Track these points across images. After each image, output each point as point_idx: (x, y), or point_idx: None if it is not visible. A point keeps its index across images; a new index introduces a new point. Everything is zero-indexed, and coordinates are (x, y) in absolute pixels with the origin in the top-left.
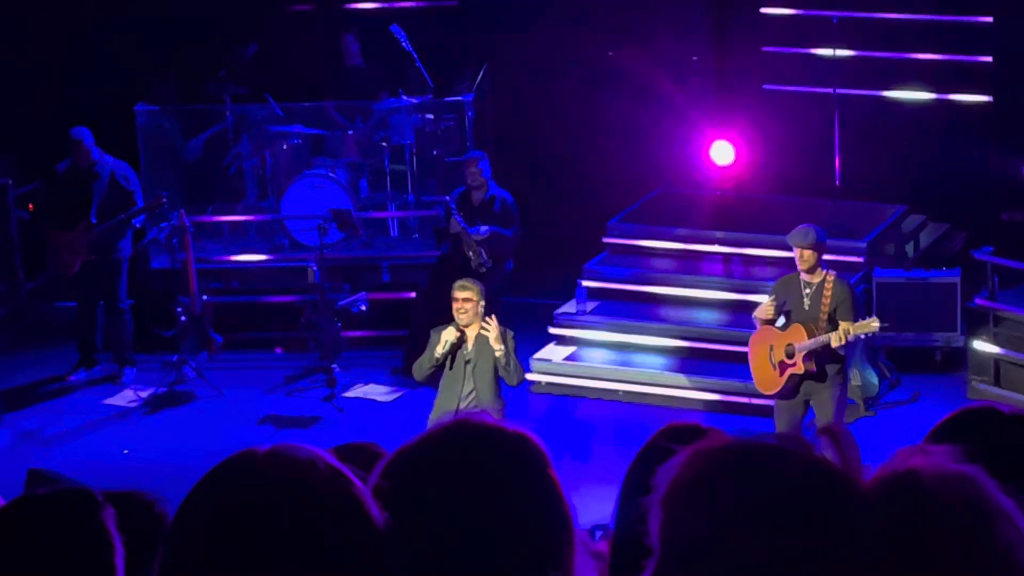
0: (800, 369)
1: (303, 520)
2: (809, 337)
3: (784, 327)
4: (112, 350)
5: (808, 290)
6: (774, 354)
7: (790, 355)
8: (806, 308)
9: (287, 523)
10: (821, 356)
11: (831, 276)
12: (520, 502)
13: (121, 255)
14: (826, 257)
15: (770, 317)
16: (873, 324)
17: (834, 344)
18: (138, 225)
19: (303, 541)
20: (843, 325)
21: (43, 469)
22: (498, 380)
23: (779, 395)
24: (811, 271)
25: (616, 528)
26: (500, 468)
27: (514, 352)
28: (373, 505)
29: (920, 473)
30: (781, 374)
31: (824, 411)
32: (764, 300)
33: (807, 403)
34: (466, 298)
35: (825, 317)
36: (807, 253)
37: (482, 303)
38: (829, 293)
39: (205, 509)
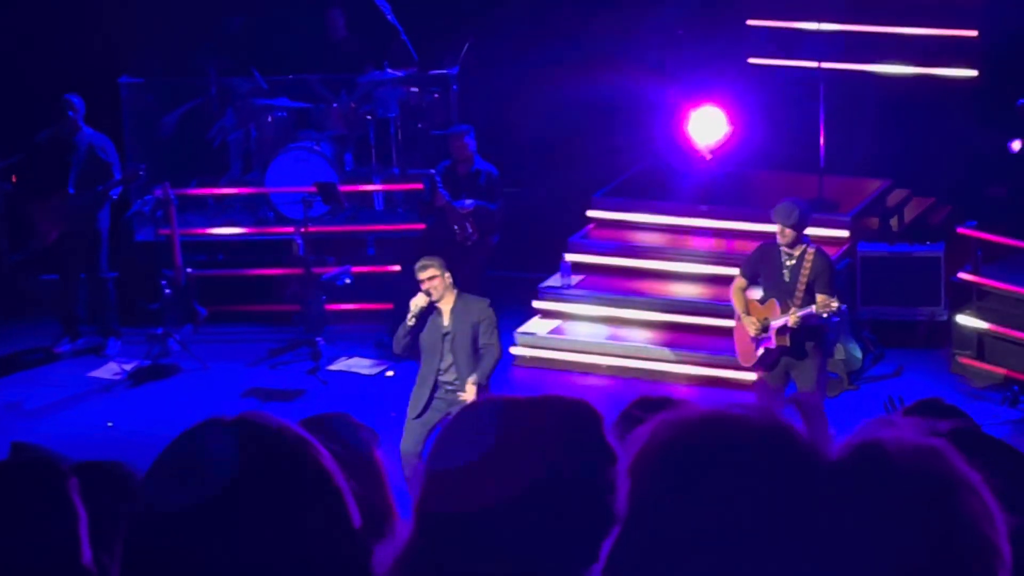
0: (773, 344)
1: (269, 488)
2: (783, 312)
3: (763, 300)
4: (96, 322)
5: (789, 262)
6: (751, 327)
7: (765, 329)
8: (785, 280)
9: (252, 491)
10: (797, 330)
11: (811, 250)
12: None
13: (100, 226)
14: (810, 232)
15: (755, 335)
16: (832, 304)
17: (790, 323)
18: (115, 197)
19: (269, 510)
20: (819, 299)
21: (26, 442)
22: (476, 351)
23: (757, 367)
24: (792, 245)
25: None
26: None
27: (496, 331)
28: (340, 476)
29: (885, 444)
30: (757, 348)
31: (805, 384)
32: (747, 321)
33: (788, 376)
34: (430, 276)
35: (802, 290)
36: (788, 231)
37: (447, 274)
38: (808, 266)
39: (170, 475)
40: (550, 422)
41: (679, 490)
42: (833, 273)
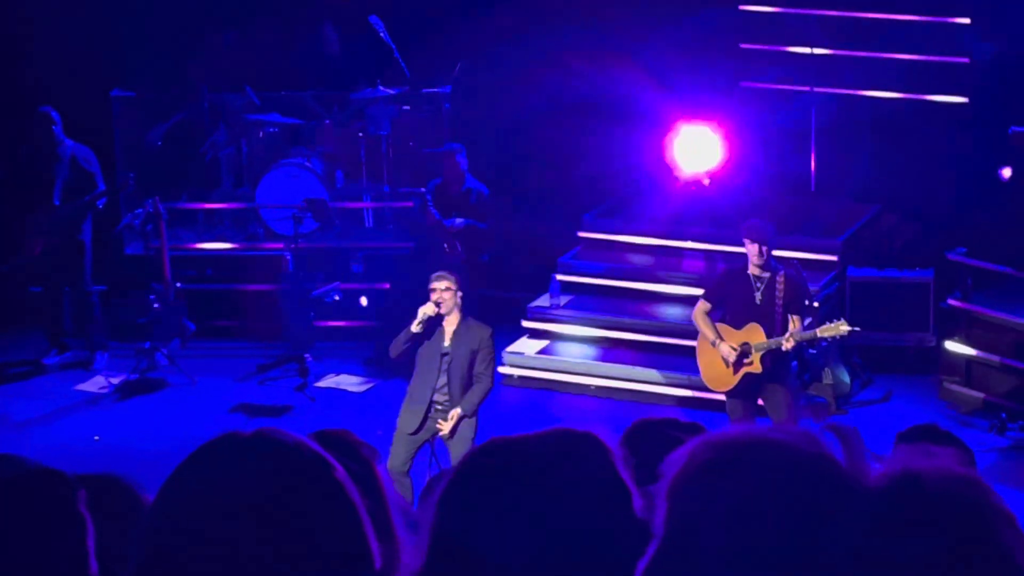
0: (757, 368)
1: (287, 503)
2: (768, 336)
3: (736, 325)
4: (82, 335)
5: (759, 285)
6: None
7: (746, 353)
8: (757, 303)
9: (271, 506)
10: (776, 353)
11: (782, 271)
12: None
13: (83, 238)
14: (803, 256)
15: (734, 360)
16: (842, 328)
17: (786, 346)
18: (100, 208)
19: (287, 524)
20: (793, 321)
21: (12, 454)
22: (471, 375)
23: (732, 392)
24: (763, 267)
25: None
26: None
27: (493, 362)
28: (355, 491)
29: (924, 475)
30: (736, 372)
31: (777, 409)
32: (724, 348)
33: (758, 400)
34: (445, 287)
35: (780, 312)
36: (763, 248)
37: (460, 293)
38: (782, 288)
39: (189, 490)
40: (561, 460)
41: (717, 512)
42: (808, 294)
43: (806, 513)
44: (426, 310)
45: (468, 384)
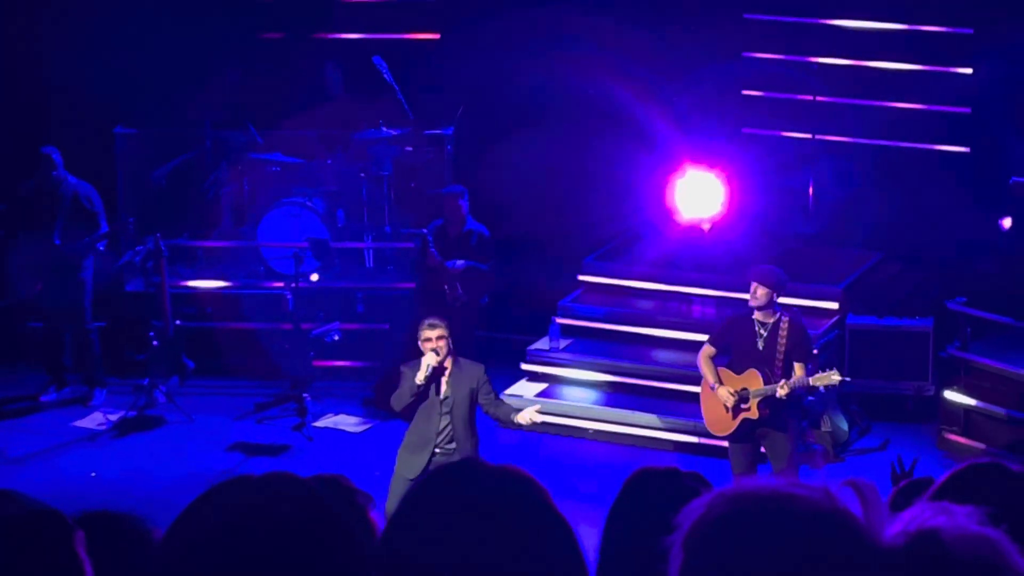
0: (754, 414)
1: (295, 547)
2: (765, 383)
3: (737, 370)
4: (81, 372)
5: (763, 331)
6: (728, 398)
7: (744, 399)
8: (760, 349)
9: (279, 550)
10: (774, 400)
11: (786, 319)
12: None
13: (83, 275)
14: (803, 303)
15: (732, 405)
16: (834, 377)
17: (780, 394)
18: (102, 249)
19: (294, 568)
20: (797, 368)
21: (8, 490)
22: (472, 416)
23: (731, 438)
24: (764, 310)
25: (600, 561)
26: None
27: (491, 385)
28: (358, 536)
29: (941, 533)
30: (734, 417)
31: (778, 455)
32: (723, 393)
33: (760, 446)
34: (439, 335)
35: (781, 360)
36: (762, 290)
37: (449, 338)
38: (785, 335)
39: (198, 532)
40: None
41: (733, 565)
42: (810, 342)
43: (823, 570)
44: (429, 361)
45: (470, 425)
